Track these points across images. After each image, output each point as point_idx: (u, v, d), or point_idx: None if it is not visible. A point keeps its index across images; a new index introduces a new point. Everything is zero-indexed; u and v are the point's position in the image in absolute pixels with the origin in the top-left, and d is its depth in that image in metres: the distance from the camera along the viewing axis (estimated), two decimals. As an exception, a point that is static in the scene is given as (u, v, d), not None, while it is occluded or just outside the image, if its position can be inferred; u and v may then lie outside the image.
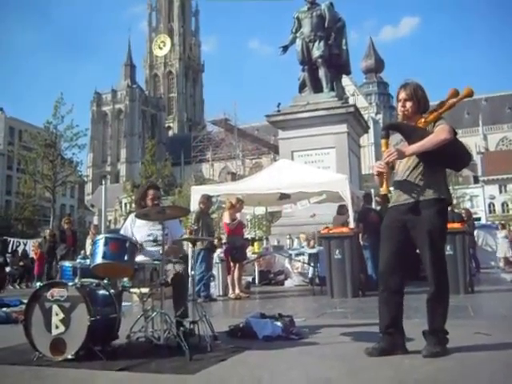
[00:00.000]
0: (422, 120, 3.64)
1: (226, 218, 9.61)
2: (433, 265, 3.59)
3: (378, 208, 10.30)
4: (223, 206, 11.14)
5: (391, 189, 3.79)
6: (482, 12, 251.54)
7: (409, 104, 3.69)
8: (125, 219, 5.07)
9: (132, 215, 4.82)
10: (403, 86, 3.77)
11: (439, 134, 3.51)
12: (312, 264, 10.59)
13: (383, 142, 3.69)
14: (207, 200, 9.36)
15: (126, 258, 4.00)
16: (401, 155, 3.59)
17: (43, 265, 17.79)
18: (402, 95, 3.71)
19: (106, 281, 4.21)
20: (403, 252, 3.71)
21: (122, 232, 4.86)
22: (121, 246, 4.04)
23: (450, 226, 8.76)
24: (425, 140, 3.51)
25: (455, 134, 3.59)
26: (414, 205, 3.63)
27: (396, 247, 3.69)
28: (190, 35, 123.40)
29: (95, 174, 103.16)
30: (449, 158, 3.63)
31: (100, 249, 3.99)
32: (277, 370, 3.36)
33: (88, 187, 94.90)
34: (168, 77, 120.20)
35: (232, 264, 9.43)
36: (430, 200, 3.60)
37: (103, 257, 3.96)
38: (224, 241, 9.78)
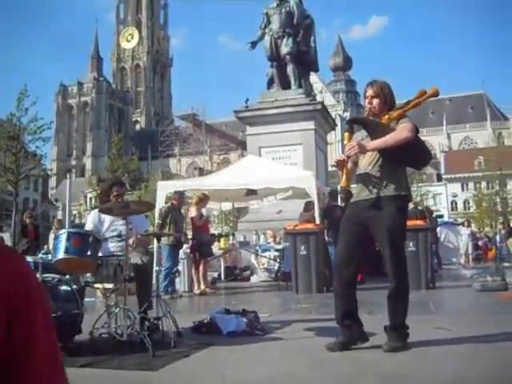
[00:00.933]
0: (386, 117, 3.69)
1: (193, 213, 9.58)
2: (393, 261, 3.65)
3: (343, 204, 10.40)
4: (190, 201, 11.08)
5: (354, 185, 3.84)
6: (448, 14, 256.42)
7: (375, 101, 3.74)
8: (89, 214, 5.00)
9: (96, 210, 4.76)
10: (370, 83, 3.82)
11: (401, 131, 3.57)
12: (278, 260, 10.64)
13: (346, 135, 3.74)
14: (180, 197, 9.31)
15: (88, 253, 3.95)
16: (362, 149, 3.63)
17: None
18: (369, 92, 3.76)
19: (68, 276, 4.15)
20: (359, 246, 3.77)
21: (87, 227, 4.79)
22: (83, 241, 3.99)
23: (412, 222, 8.98)
24: (387, 137, 3.56)
25: (417, 132, 3.66)
26: (374, 201, 3.68)
27: (352, 241, 3.75)
28: (159, 28, 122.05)
29: (60, 167, 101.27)
30: (410, 156, 3.69)
31: (62, 244, 3.93)
32: (240, 365, 3.37)
33: (52, 181, 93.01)
34: (136, 70, 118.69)
35: (198, 260, 9.41)
36: (390, 196, 3.66)
37: (65, 252, 3.90)
38: (190, 236, 9.73)
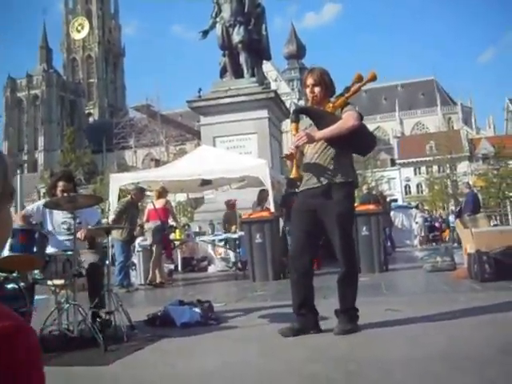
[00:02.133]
0: (330, 105, 3.73)
1: (158, 205, 9.53)
2: (342, 247, 3.71)
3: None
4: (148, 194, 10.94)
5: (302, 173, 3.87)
6: (400, 1, 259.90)
7: (317, 89, 3.77)
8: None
9: (40, 203, 4.64)
10: (310, 71, 3.85)
11: (347, 120, 3.62)
12: (233, 249, 10.67)
13: (293, 125, 3.76)
14: (139, 192, 9.17)
15: (34, 249, 3.86)
16: (310, 139, 3.66)
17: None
18: (310, 81, 3.78)
19: (15, 274, 4.05)
20: (312, 235, 3.81)
21: (32, 213, 4.63)
22: (29, 238, 3.89)
23: (365, 207, 9.18)
24: (334, 126, 3.60)
25: (361, 119, 3.72)
26: (322, 188, 3.73)
27: (305, 231, 3.78)
28: (110, 18, 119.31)
29: (11, 162, 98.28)
30: (356, 143, 3.75)
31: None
32: (192, 356, 3.37)
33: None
34: (87, 61, 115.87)
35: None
36: (337, 183, 3.71)
37: (10, 249, 3.79)
38: (145, 228, 9.58)
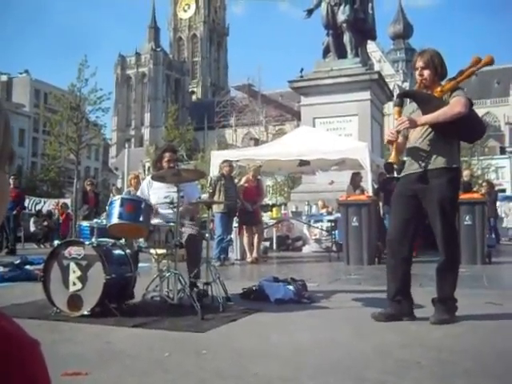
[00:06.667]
0: (439, 89, 3.58)
1: (244, 182, 9.71)
2: (443, 234, 3.59)
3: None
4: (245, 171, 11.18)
5: (405, 158, 3.78)
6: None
7: (426, 72, 3.63)
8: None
9: (148, 177, 4.89)
10: (420, 53, 3.71)
11: (454, 106, 3.47)
12: (330, 231, 10.63)
13: (396, 109, 3.66)
14: (228, 165, 9.40)
15: (141, 218, 4.08)
16: (412, 124, 3.56)
17: (68, 225, 18.23)
18: (419, 63, 3.65)
19: (122, 241, 4.32)
20: (412, 220, 3.71)
21: (138, 193, 4.95)
22: (136, 207, 4.13)
23: (469, 195, 8.77)
24: (439, 112, 3.47)
25: (471, 105, 3.55)
26: (424, 173, 3.62)
27: (405, 215, 3.69)
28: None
29: (119, 137, 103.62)
30: (462, 130, 3.59)
31: (116, 209, 4.08)
32: (285, 331, 3.44)
33: (112, 150, 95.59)
34: (192, 40, 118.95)
35: (240, 227, 9.58)
36: (440, 169, 3.58)
37: (119, 217, 4.05)
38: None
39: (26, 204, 20.23)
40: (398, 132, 3.63)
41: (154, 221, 4.41)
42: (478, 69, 3.65)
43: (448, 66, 3.71)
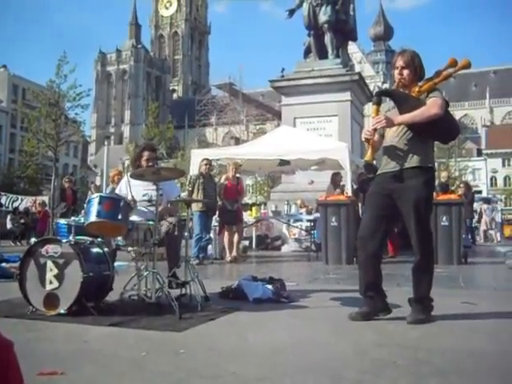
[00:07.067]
0: (416, 89, 3.63)
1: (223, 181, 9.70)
2: (418, 234, 3.63)
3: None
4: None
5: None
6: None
7: (406, 72, 3.67)
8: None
9: (127, 175, 4.85)
10: (400, 53, 3.75)
11: (431, 107, 3.51)
12: (310, 231, 10.67)
13: (374, 108, 3.69)
14: (206, 164, 9.37)
15: (119, 216, 4.05)
16: (389, 123, 3.59)
17: (46, 222, 18.02)
18: (400, 63, 3.69)
19: (100, 239, 4.28)
20: (384, 219, 3.74)
21: (117, 191, 4.91)
22: (115, 205, 4.09)
23: (446, 196, 8.88)
24: (416, 112, 3.51)
25: (447, 106, 3.59)
26: (399, 172, 3.65)
27: (377, 213, 3.73)
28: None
29: (99, 134, 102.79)
30: (438, 131, 3.64)
31: (94, 207, 4.03)
32: (263, 330, 3.44)
33: (92, 147, 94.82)
34: (173, 38, 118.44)
35: (222, 226, 9.56)
36: (415, 168, 3.62)
37: (97, 215, 4.00)
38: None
39: (2, 201, 19.96)
40: (375, 130, 3.66)
41: (133, 217, 4.38)
42: (455, 72, 3.70)
43: (426, 68, 3.76)
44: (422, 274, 3.67)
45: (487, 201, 21.21)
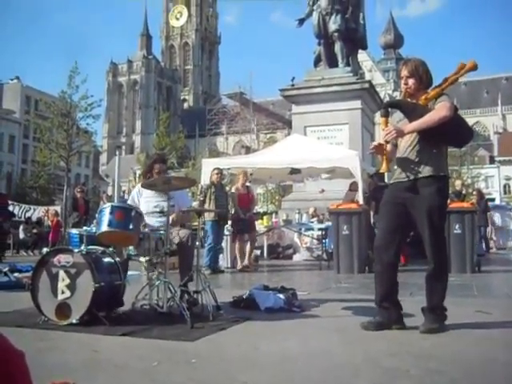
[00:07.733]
0: (423, 97, 3.62)
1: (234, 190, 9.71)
2: (432, 243, 3.60)
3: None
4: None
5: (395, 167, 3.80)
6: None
7: (411, 81, 3.67)
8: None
9: (138, 185, 4.88)
10: (405, 62, 3.76)
11: (439, 111, 3.49)
12: (321, 239, 10.64)
13: (383, 120, 3.69)
14: (217, 173, 9.39)
15: (131, 226, 4.06)
16: (400, 133, 3.59)
17: (58, 232, 18.11)
18: (404, 72, 3.69)
19: (111, 249, 4.29)
20: (399, 228, 3.72)
21: (129, 202, 4.93)
22: (126, 215, 4.10)
23: (459, 205, 8.81)
24: (425, 117, 3.50)
25: (456, 110, 3.57)
26: (413, 182, 3.64)
27: (393, 223, 3.70)
28: (208, 6, 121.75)
29: (110, 144, 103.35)
30: (449, 135, 3.62)
31: (106, 217, 4.05)
32: (274, 339, 3.43)
33: (103, 157, 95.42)
34: (184, 48, 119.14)
35: (234, 235, 9.57)
36: (428, 177, 3.60)
37: (109, 225, 4.02)
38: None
39: (15, 211, 20.11)
40: (387, 142, 3.65)
41: (144, 229, 4.40)
42: (462, 75, 3.68)
43: (436, 76, 3.75)
44: (436, 283, 3.63)
45: (500, 209, 20.99)
